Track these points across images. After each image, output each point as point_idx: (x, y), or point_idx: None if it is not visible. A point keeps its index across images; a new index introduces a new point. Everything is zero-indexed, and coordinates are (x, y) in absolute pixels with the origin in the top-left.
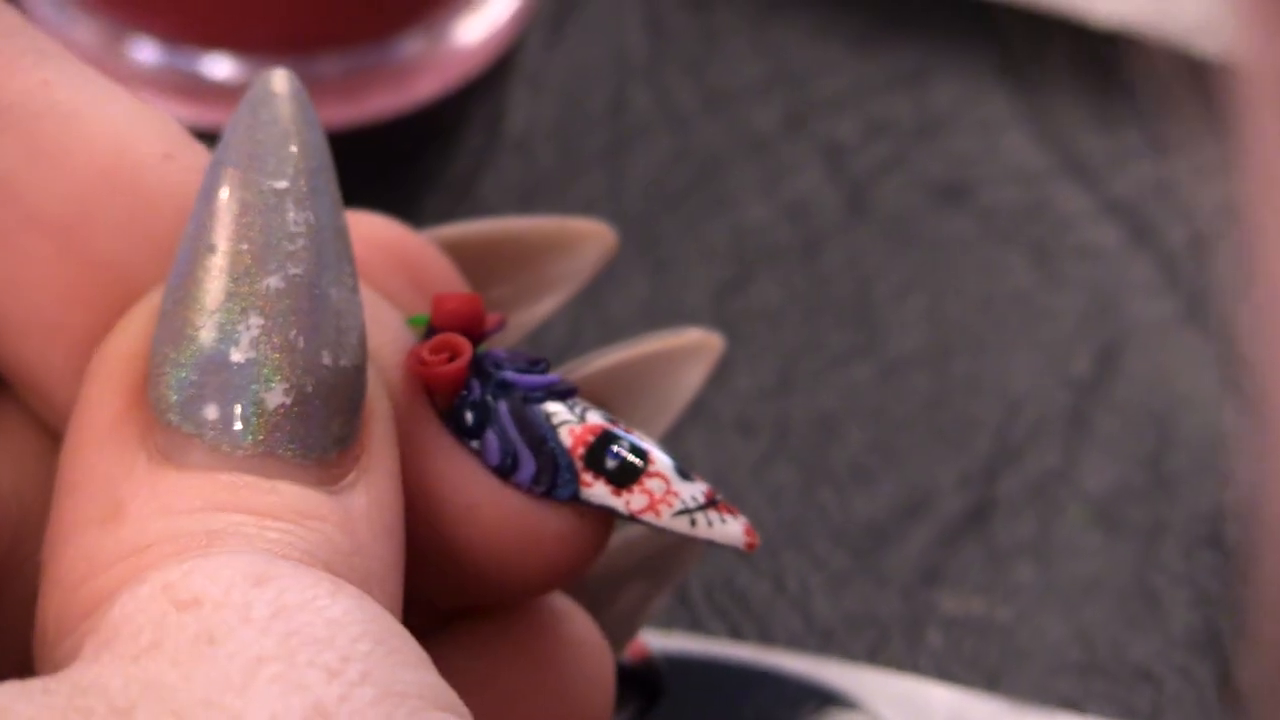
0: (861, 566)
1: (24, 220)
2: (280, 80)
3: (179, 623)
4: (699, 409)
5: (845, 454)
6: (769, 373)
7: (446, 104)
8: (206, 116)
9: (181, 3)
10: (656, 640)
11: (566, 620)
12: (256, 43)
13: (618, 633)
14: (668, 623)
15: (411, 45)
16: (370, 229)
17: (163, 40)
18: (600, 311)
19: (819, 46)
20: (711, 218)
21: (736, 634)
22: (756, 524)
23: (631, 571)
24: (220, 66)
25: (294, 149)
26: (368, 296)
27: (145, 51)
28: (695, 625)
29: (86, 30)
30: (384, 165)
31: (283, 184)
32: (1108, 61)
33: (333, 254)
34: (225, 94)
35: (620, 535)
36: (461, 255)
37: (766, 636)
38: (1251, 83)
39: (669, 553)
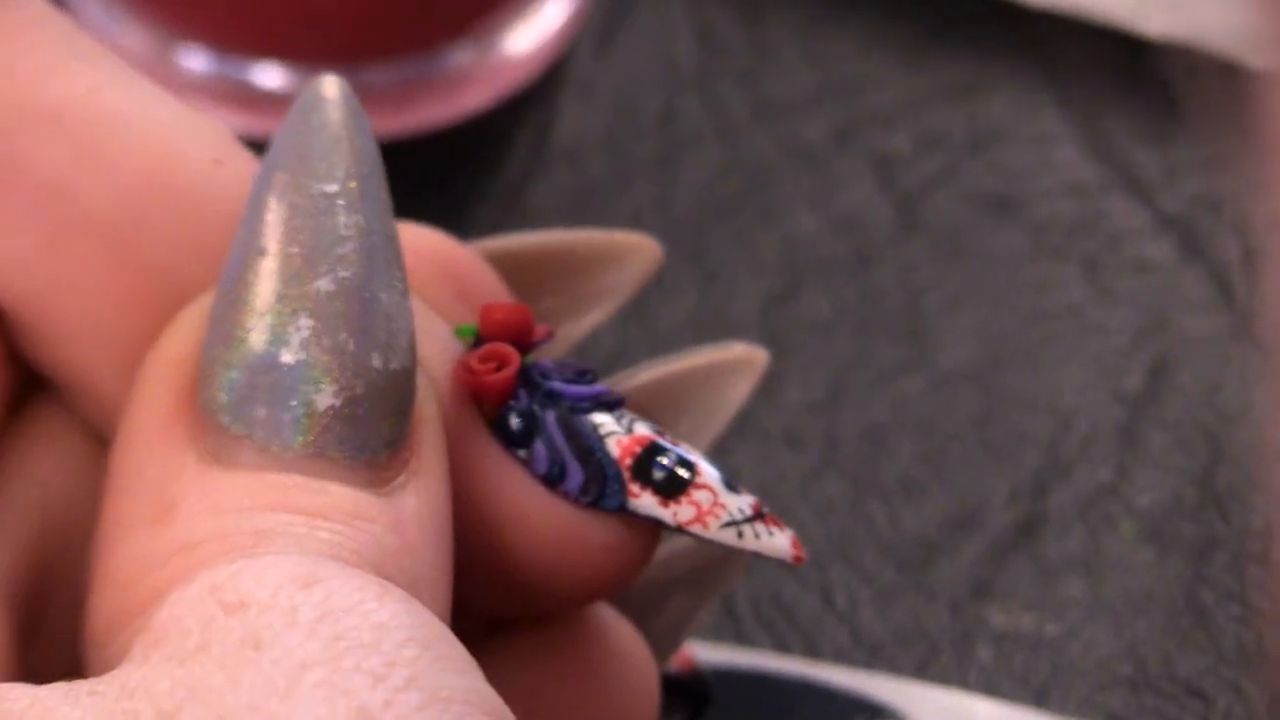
0: (910, 581)
1: (75, 224)
2: (331, 86)
3: (226, 626)
4: (748, 422)
5: (895, 468)
6: (818, 386)
7: (496, 114)
8: (256, 125)
9: (231, 11)
10: (703, 652)
11: (612, 632)
12: (306, 52)
13: (663, 644)
14: (714, 635)
15: (461, 55)
16: (417, 241)
17: (212, 49)
18: (648, 323)
19: (870, 58)
20: (761, 229)
21: (783, 647)
22: (804, 537)
23: (677, 583)
24: (270, 75)
25: (344, 153)
26: (415, 307)
27: (195, 60)
28: (742, 638)
29: (136, 38)
30: (433, 175)
31: (333, 188)
32: (1160, 75)
33: (383, 258)
34: (275, 103)
35: (665, 547)
36: (508, 268)
37: (813, 650)
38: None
39: (714, 565)
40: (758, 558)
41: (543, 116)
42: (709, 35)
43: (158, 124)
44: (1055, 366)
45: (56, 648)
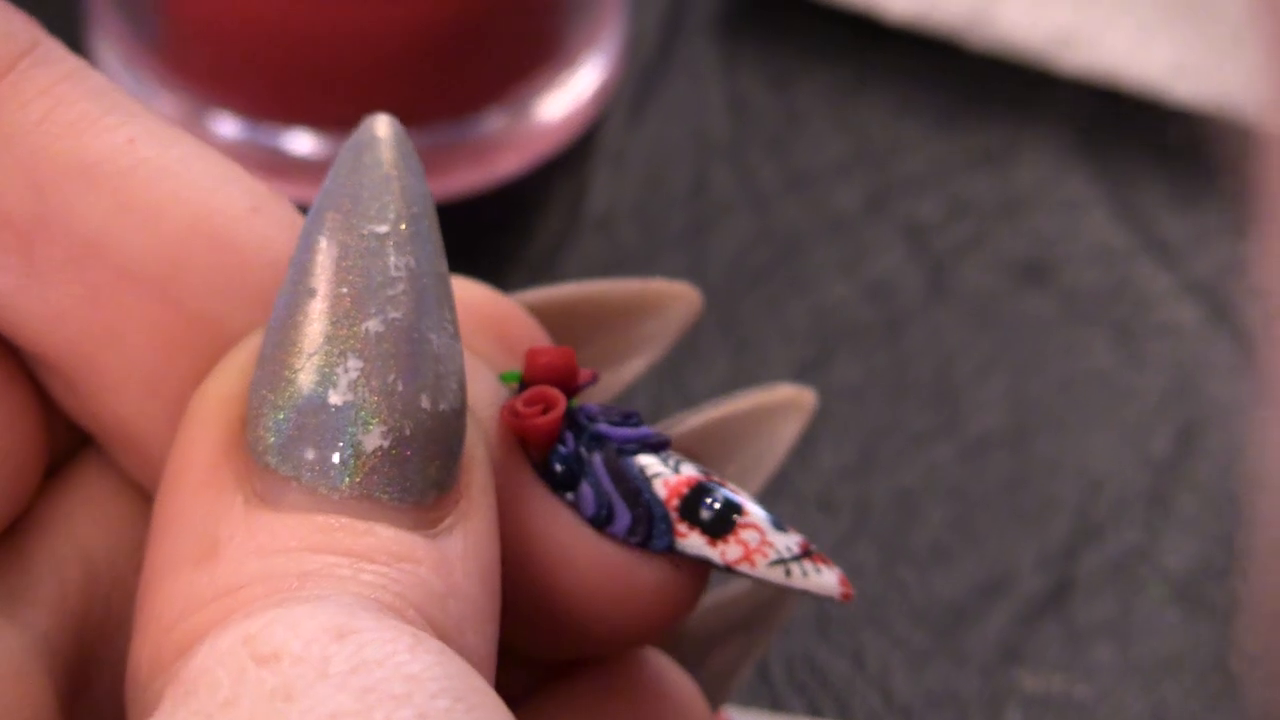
0: (941, 645)
1: (118, 274)
2: (384, 125)
3: (257, 678)
4: (782, 486)
5: (926, 533)
6: (850, 451)
7: (528, 182)
8: (288, 192)
9: (263, 79)
10: (738, 715)
11: (666, 680)
12: (337, 119)
13: (712, 693)
14: (748, 699)
15: (493, 122)
16: (460, 292)
17: (244, 115)
18: (682, 389)
19: (900, 126)
20: (792, 297)
21: (816, 711)
22: (836, 602)
23: (725, 632)
24: (301, 142)
25: (395, 193)
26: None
27: (226, 126)
28: (775, 702)
29: (167, 104)
30: (466, 242)
31: (384, 228)
32: (1187, 141)
33: (433, 299)
34: (306, 169)
35: (712, 596)
36: (549, 318)
37: (846, 714)
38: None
39: (762, 612)
40: (806, 596)
41: (575, 184)
42: (740, 104)
43: (195, 174)
44: (1084, 431)
45: (100, 709)
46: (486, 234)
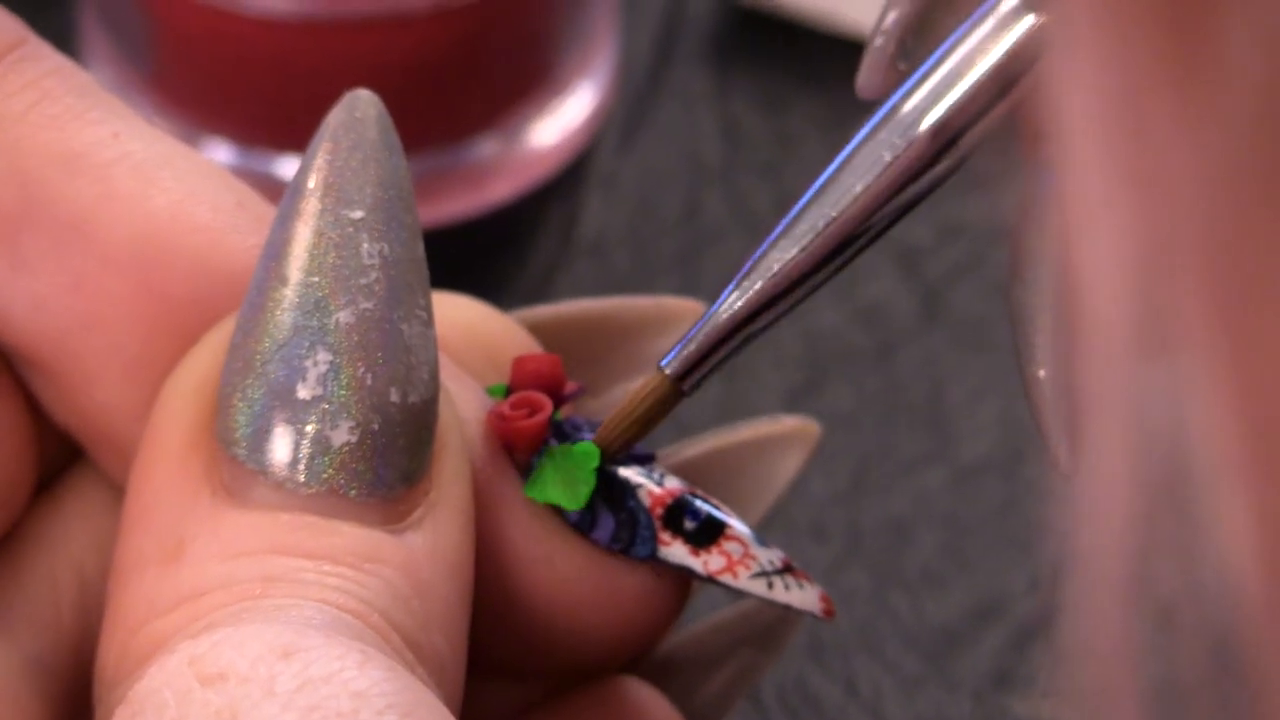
0: (933, 670)
1: (102, 262)
2: (364, 105)
3: (203, 699)
4: (773, 511)
5: (918, 558)
6: (842, 477)
7: (521, 207)
8: None
9: (255, 106)
10: None
11: (649, 709)
12: None
13: (709, 716)
14: None
15: (486, 148)
16: (451, 311)
17: (236, 142)
18: (674, 414)
19: None
20: (784, 322)
21: None
22: (829, 628)
23: (720, 657)
24: (293, 169)
25: (372, 177)
26: (445, 364)
27: (219, 152)
28: None
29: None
30: (458, 267)
31: (359, 214)
32: None
33: (405, 287)
34: None
35: (710, 620)
36: (556, 335)
37: None
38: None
39: (760, 636)
40: (788, 610)
41: (567, 210)
42: (732, 128)
43: (179, 168)
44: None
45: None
46: (479, 260)
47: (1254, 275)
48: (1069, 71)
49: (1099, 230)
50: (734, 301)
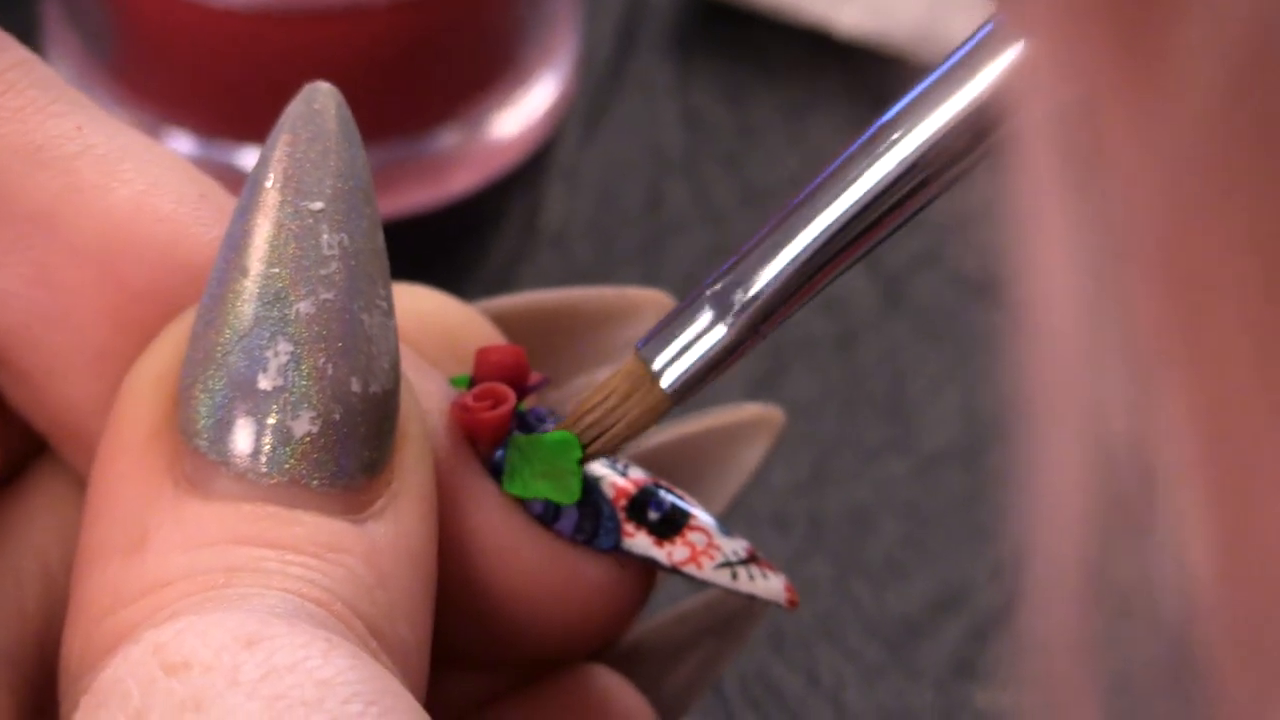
0: (895, 660)
1: (66, 253)
2: (323, 96)
3: (167, 688)
4: (734, 501)
5: (879, 548)
6: (803, 467)
7: (483, 199)
8: None
9: (216, 96)
10: None
11: (616, 698)
12: None
13: (673, 706)
14: (703, 715)
15: (447, 139)
16: (414, 302)
17: (197, 133)
18: None
19: (853, 141)
20: None
21: None
22: (790, 618)
23: (685, 646)
24: (254, 159)
25: (332, 168)
26: (408, 356)
27: (180, 143)
28: (729, 718)
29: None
30: (421, 259)
31: (318, 205)
32: None
33: (365, 277)
34: None
35: (674, 610)
36: (522, 325)
37: None
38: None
39: (726, 624)
40: (752, 600)
41: (529, 201)
42: (694, 119)
43: (142, 161)
44: None
45: None
46: (442, 251)
47: (1208, 281)
48: (1026, 77)
49: (1053, 235)
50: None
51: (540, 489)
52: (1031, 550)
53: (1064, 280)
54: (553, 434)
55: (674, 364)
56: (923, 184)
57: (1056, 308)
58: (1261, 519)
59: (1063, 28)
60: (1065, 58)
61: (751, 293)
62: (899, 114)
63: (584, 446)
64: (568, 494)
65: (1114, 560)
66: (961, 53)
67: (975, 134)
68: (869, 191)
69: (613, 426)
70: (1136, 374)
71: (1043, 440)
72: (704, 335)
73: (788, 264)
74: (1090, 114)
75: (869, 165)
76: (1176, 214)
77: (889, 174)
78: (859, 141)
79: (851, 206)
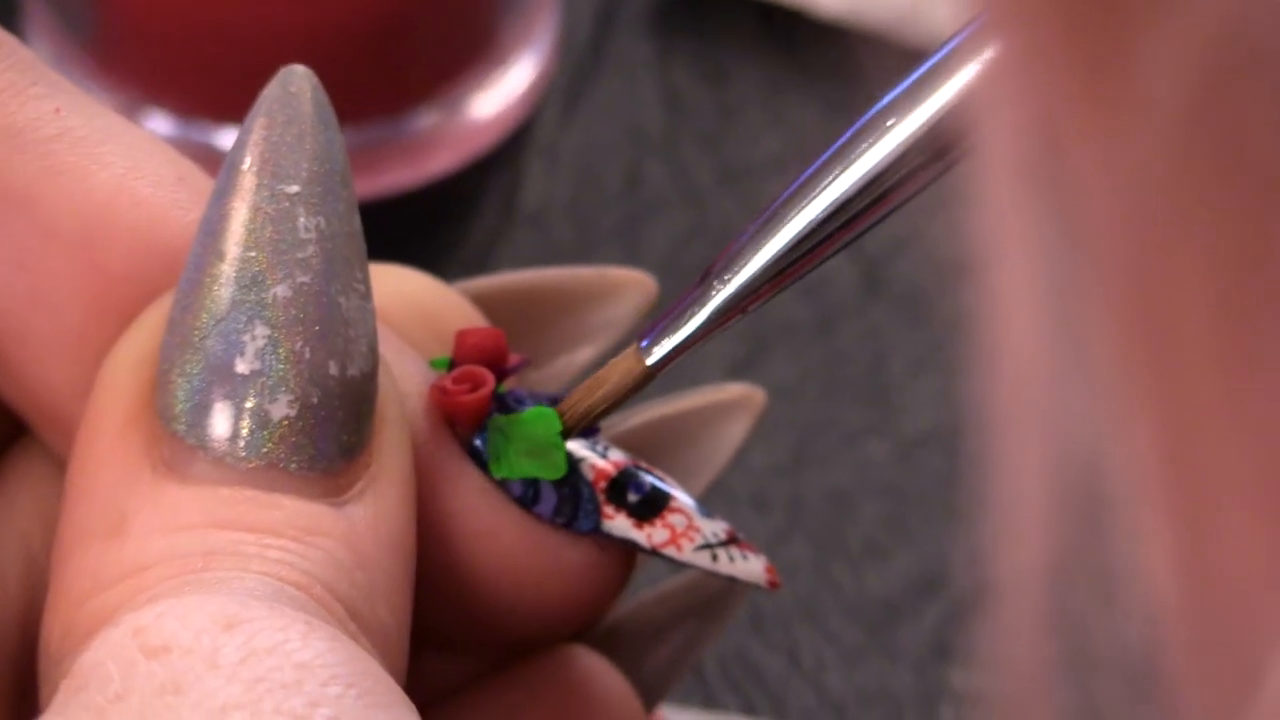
0: (875, 642)
1: (44, 236)
2: (299, 79)
3: (147, 671)
4: (714, 483)
5: (859, 530)
6: (783, 449)
7: (462, 179)
8: None
9: (195, 77)
10: (672, 715)
11: (597, 679)
12: None
13: (655, 685)
14: (683, 697)
15: (426, 119)
16: (394, 283)
17: (176, 113)
18: None
19: (834, 121)
20: None
21: (750, 709)
22: (771, 600)
23: (666, 627)
24: (233, 139)
25: (308, 151)
26: (388, 337)
27: (159, 124)
28: (709, 700)
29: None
30: (399, 239)
31: (295, 188)
32: None
33: (342, 260)
34: None
35: (655, 591)
36: (502, 306)
37: (780, 711)
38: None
39: (708, 604)
40: (733, 582)
41: (508, 181)
42: (673, 99)
43: (121, 143)
44: None
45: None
46: (420, 231)
47: (1169, 300)
48: (990, 97)
49: (1016, 253)
50: (720, 296)
51: (527, 468)
52: (993, 580)
53: (1026, 299)
54: (531, 410)
55: (658, 338)
56: (901, 182)
57: (1018, 326)
58: (1220, 537)
59: (1024, 42)
60: (1029, 80)
61: (737, 268)
62: (867, 122)
63: (568, 430)
64: (554, 469)
65: (1076, 589)
66: (941, 54)
67: (938, 150)
68: (855, 183)
69: (595, 405)
70: (1098, 393)
71: (1005, 458)
72: (688, 308)
73: (774, 246)
74: (1052, 130)
75: (857, 157)
76: (1138, 232)
77: (876, 166)
78: (844, 135)
79: (837, 199)
